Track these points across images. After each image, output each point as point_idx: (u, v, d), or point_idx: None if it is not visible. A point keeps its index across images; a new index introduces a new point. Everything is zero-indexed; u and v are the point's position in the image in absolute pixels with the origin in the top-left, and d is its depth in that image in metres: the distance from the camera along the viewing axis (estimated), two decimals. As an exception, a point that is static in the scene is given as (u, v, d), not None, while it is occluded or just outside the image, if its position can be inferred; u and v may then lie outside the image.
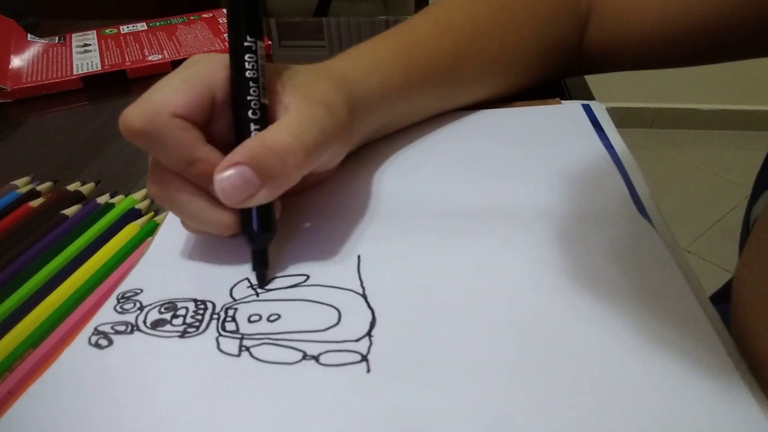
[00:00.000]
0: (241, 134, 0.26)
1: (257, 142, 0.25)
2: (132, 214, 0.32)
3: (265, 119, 0.26)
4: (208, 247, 0.29)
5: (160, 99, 0.25)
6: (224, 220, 0.26)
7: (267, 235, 0.26)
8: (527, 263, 0.26)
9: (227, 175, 0.24)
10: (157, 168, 0.26)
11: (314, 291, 0.26)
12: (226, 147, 0.26)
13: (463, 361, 0.22)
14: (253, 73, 0.26)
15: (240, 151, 0.24)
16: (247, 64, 0.26)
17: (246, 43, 0.26)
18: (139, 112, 0.24)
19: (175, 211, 0.27)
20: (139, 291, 0.26)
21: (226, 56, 0.27)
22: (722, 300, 0.39)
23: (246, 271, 0.27)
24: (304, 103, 0.26)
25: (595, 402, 0.20)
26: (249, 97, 0.26)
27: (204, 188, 0.26)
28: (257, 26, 0.27)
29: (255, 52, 0.26)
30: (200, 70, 0.26)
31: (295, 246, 0.28)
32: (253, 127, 0.26)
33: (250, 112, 0.26)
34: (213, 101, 0.26)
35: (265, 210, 0.26)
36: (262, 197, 0.25)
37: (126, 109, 0.24)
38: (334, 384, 0.21)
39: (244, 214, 0.26)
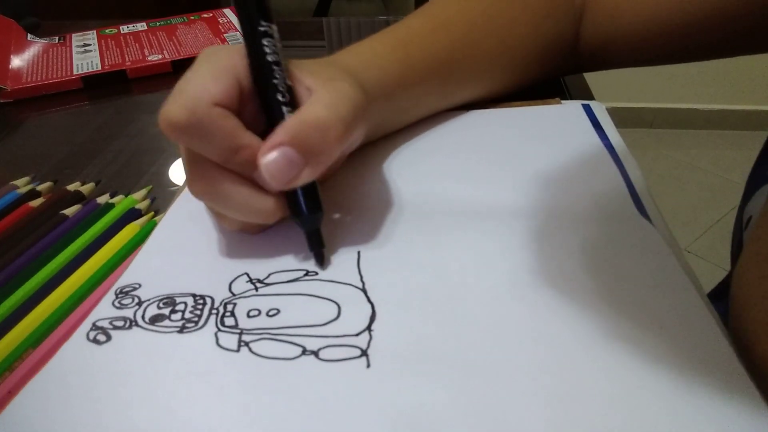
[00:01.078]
0: (273, 117, 0.26)
1: (296, 120, 0.25)
2: (132, 214, 0.32)
3: (294, 100, 0.26)
4: (207, 242, 0.29)
5: (198, 90, 0.24)
6: (270, 206, 0.26)
7: (318, 215, 0.26)
8: (527, 260, 0.26)
9: (272, 157, 0.24)
10: (198, 163, 0.25)
11: (314, 286, 0.26)
12: (255, 134, 0.26)
13: (462, 356, 0.22)
14: (275, 57, 0.26)
15: (281, 132, 0.24)
16: (266, 48, 0.26)
17: (261, 28, 0.26)
18: (181, 106, 0.24)
19: (220, 205, 0.26)
20: (137, 286, 0.26)
21: (241, 45, 0.27)
22: (718, 298, 0.39)
23: (245, 265, 0.27)
24: (329, 82, 0.27)
25: (596, 399, 0.20)
26: (275, 80, 0.26)
27: (247, 176, 0.26)
28: (267, 10, 0.27)
29: (272, 36, 0.26)
30: (222, 59, 0.26)
31: (295, 241, 0.28)
32: (285, 109, 0.26)
33: (279, 95, 0.26)
34: (241, 89, 0.26)
35: (311, 191, 0.26)
36: (307, 176, 0.25)
37: (164, 106, 0.24)
38: (334, 379, 0.21)
39: (291, 200, 0.26)
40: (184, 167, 0.26)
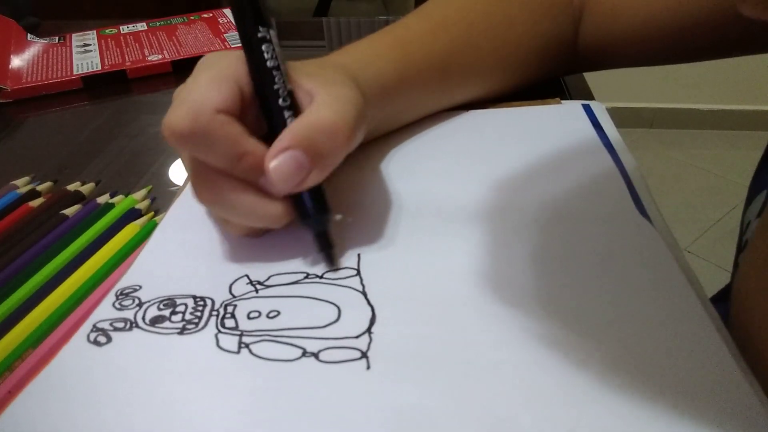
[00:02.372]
0: (275, 123, 0.26)
1: (302, 124, 0.25)
2: (132, 214, 0.32)
3: (295, 105, 0.26)
4: (207, 244, 0.29)
5: (200, 98, 0.24)
6: (277, 211, 0.26)
7: (325, 217, 0.26)
8: (527, 262, 0.26)
9: (280, 161, 0.24)
10: (203, 171, 0.25)
11: (314, 288, 0.26)
12: (257, 138, 0.26)
13: (462, 359, 0.22)
14: (274, 62, 0.26)
15: (288, 136, 0.24)
16: (265, 54, 0.26)
17: (260, 34, 0.26)
18: (183, 114, 0.24)
19: (227, 212, 0.26)
20: (137, 287, 0.26)
21: (241, 51, 0.27)
22: (724, 299, 0.39)
23: (245, 267, 0.27)
24: (330, 87, 0.26)
25: (595, 401, 0.20)
26: (276, 86, 0.26)
27: (252, 183, 0.26)
28: (264, 15, 0.26)
29: (270, 41, 0.26)
30: (223, 66, 0.26)
31: (295, 243, 0.28)
32: (286, 113, 0.26)
33: (280, 101, 0.26)
34: (242, 95, 0.26)
35: (317, 193, 0.26)
36: (314, 179, 0.25)
37: (166, 116, 0.24)
38: (334, 381, 0.21)
39: (298, 203, 0.26)
40: (189, 176, 0.26)
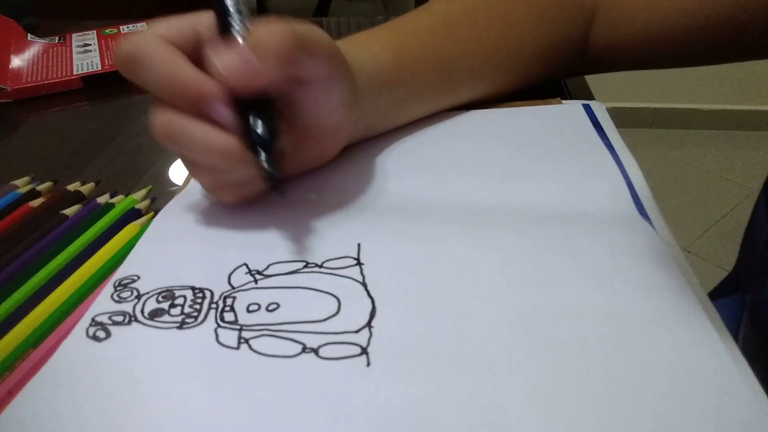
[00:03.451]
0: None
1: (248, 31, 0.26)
2: (132, 214, 0.32)
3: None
4: (205, 231, 0.29)
5: (148, 30, 0.26)
6: (230, 143, 0.25)
7: (275, 141, 0.25)
8: (526, 260, 0.26)
9: (223, 51, 0.25)
10: (159, 107, 0.26)
11: (313, 278, 0.25)
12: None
13: (462, 355, 0.22)
14: (237, 8, 0.27)
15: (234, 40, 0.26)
16: (228, 3, 0.27)
17: None
18: (129, 40, 0.26)
19: (182, 146, 0.26)
20: (135, 278, 0.26)
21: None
22: (720, 296, 0.39)
23: (244, 255, 0.27)
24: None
25: (594, 399, 0.20)
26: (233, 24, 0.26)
27: (205, 117, 0.26)
28: None
29: None
30: (185, 15, 0.28)
31: (295, 232, 0.28)
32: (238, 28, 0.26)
33: (231, 21, 0.26)
34: (198, 37, 0.27)
35: (268, 119, 0.26)
36: (262, 75, 0.25)
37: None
38: (334, 378, 0.21)
39: (249, 132, 0.25)
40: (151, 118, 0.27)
